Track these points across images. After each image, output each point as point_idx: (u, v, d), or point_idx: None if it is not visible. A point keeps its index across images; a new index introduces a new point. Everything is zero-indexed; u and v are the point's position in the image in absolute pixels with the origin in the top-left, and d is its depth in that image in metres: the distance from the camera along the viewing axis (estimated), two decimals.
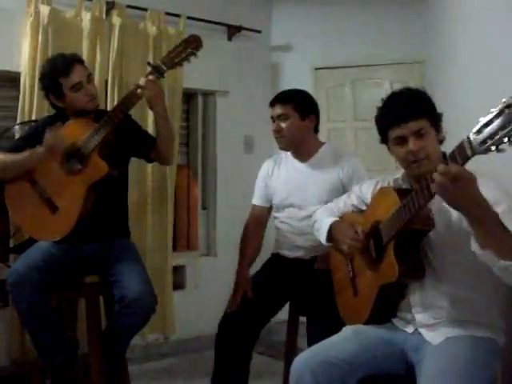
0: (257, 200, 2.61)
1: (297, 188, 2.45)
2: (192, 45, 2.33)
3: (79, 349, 2.51)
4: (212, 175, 3.89)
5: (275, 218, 2.56)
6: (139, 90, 2.31)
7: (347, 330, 1.80)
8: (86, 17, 3.16)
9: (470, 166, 1.36)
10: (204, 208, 3.92)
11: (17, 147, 2.42)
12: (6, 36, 3.01)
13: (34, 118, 2.96)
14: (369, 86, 4.03)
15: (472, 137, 1.26)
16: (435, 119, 1.72)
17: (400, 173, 1.87)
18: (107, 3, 3.25)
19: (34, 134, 2.46)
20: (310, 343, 2.06)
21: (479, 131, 1.24)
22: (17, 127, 2.97)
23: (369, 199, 1.95)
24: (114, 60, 3.24)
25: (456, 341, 1.62)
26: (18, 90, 3.02)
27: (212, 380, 2.33)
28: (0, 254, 2.85)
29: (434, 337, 1.66)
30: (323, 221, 2.05)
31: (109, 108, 3.09)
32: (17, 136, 2.88)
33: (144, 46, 3.35)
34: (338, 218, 2.01)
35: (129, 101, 2.36)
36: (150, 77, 2.32)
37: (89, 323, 2.40)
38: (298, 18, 4.10)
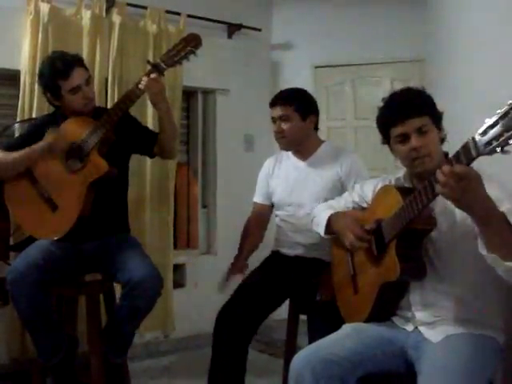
0: (258, 198, 2.63)
1: (297, 186, 2.46)
2: (191, 43, 2.32)
3: (79, 347, 2.52)
4: (212, 173, 3.89)
5: (276, 216, 2.58)
6: (142, 88, 2.31)
7: (347, 328, 1.80)
8: (86, 15, 3.15)
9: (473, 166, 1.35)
10: (204, 206, 3.92)
11: (16, 145, 2.42)
12: (6, 34, 3.00)
13: (33, 116, 2.95)
14: (369, 85, 4.03)
15: (477, 137, 1.26)
16: (436, 117, 1.73)
17: (401, 172, 1.87)
18: (107, 1, 3.25)
19: (34, 132, 2.46)
20: (312, 342, 2.06)
21: (484, 132, 1.24)
22: (16, 125, 2.97)
23: (369, 198, 1.96)
24: (114, 58, 3.23)
25: (456, 338, 1.62)
26: (18, 88, 3.01)
27: (209, 373, 2.33)
28: (0, 252, 2.85)
29: (434, 335, 1.66)
30: (321, 214, 2.06)
31: (109, 106, 3.08)
32: (16, 134, 2.88)
33: (144, 44, 3.35)
34: (337, 211, 2.01)
35: (128, 99, 2.36)
36: (153, 75, 2.31)
37: (89, 321, 2.40)
38: (298, 16, 4.09)
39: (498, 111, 1.22)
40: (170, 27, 3.44)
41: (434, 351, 1.60)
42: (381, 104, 1.79)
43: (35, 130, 2.49)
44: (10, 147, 2.41)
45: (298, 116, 2.41)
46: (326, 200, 2.26)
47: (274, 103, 2.45)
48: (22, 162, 2.36)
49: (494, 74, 2.42)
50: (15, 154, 2.36)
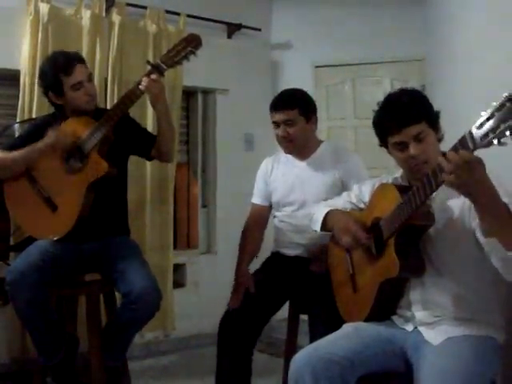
0: (256, 199, 2.61)
1: (296, 186, 2.45)
2: (191, 43, 2.32)
3: (79, 347, 2.52)
4: (212, 173, 3.89)
5: (275, 216, 2.57)
6: (142, 88, 2.31)
7: (347, 328, 1.80)
8: (86, 15, 3.15)
9: None
10: (204, 206, 3.92)
11: (16, 145, 2.42)
12: (6, 34, 3.00)
13: (33, 116, 2.96)
14: (369, 84, 4.03)
15: (474, 130, 1.27)
16: (433, 120, 1.72)
17: (399, 172, 1.87)
18: (107, 1, 3.26)
19: (34, 133, 2.46)
20: (312, 341, 2.05)
21: (481, 125, 1.25)
22: (16, 125, 2.97)
23: (367, 199, 1.96)
24: (114, 58, 3.24)
25: (456, 341, 1.61)
26: (18, 88, 3.02)
27: (216, 378, 2.34)
28: (0, 252, 2.85)
29: (434, 336, 1.66)
30: (319, 211, 2.06)
31: (108, 106, 3.09)
32: (16, 134, 2.88)
33: (144, 44, 3.35)
34: (335, 209, 2.01)
35: (128, 99, 2.36)
36: (153, 76, 2.31)
37: (89, 321, 2.40)
38: (297, 15, 4.09)
39: (494, 104, 1.23)
40: (170, 27, 3.45)
41: (434, 354, 1.60)
42: (376, 108, 1.77)
43: (35, 130, 2.49)
44: (10, 148, 2.41)
45: (302, 119, 2.39)
46: (325, 200, 2.26)
47: (276, 107, 2.39)
48: (22, 161, 2.36)
49: (494, 73, 2.42)
50: (15, 153, 2.36)
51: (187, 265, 3.69)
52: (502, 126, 1.20)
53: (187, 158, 3.90)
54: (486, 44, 2.57)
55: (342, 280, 1.98)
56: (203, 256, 3.83)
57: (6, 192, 2.44)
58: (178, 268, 3.63)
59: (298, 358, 1.68)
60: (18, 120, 2.99)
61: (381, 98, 1.80)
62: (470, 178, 1.34)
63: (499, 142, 1.22)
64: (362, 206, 2.00)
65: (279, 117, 2.38)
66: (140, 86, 2.32)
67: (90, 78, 2.43)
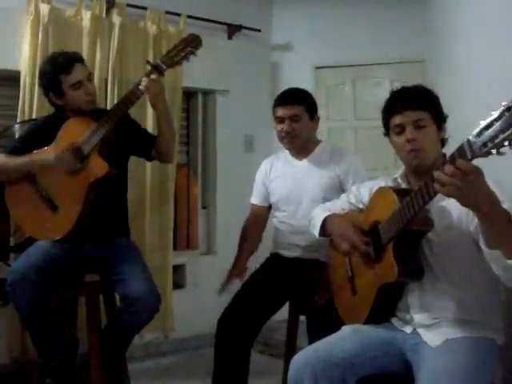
0: (255, 199, 2.63)
1: (294, 185, 2.46)
2: (191, 44, 2.32)
3: (79, 347, 2.52)
4: (212, 174, 3.89)
5: (274, 217, 2.57)
6: (142, 89, 2.31)
7: (346, 329, 1.80)
8: (86, 15, 3.15)
9: None
10: (204, 207, 3.92)
11: (16, 148, 2.42)
12: (6, 35, 3.01)
13: (34, 116, 2.96)
14: (369, 85, 4.04)
15: (472, 139, 1.25)
16: (438, 116, 1.73)
17: (399, 172, 1.87)
18: (107, 2, 3.25)
19: (34, 134, 2.47)
20: (311, 343, 2.05)
21: (480, 134, 1.23)
22: (17, 126, 2.97)
23: (366, 200, 1.96)
24: (114, 59, 3.24)
25: (455, 343, 1.61)
26: (18, 89, 3.02)
27: (213, 378, 2.34)
28: (0, 253, 2.85)
29: (433, 338, 1.65)
30: (317, 216, 2.06)
31: (108, 107, 3.09)
32: (17, 135, 2.88)
33: (144, 44, 3.35)
34: (333, 213, 2.02)
35: (128, 100, 2.36)
36: (153, 76, 2.31)
37: (89, 322, 2.40)
38: (298, 16, 4.10)
39: (493, 113, 1.21)
40: (170, 28, 3.45)
41: (432, 356, 1.59)
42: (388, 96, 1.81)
43: (36, 131, 2.50)
44: (13, 151, 2.41)
45: (307, 116, 2.41)
46: (324, 199, 2.27)
47: (283, 102, 2.41)
48: (24, 168, 2.37)
49: (494, 74, 2.42)
50: (18, 160, 2.36)
51: (187, 266, 3.69)
52: (501, 136, 1.19)
53: (187, 158, 3.90)
54: (486, 45, 2.57)
55: (341, 283, 1.98)
56: (203, 257, 3.83)
57: (6, 192, 2.44)
58: (178, 269, 3.63)
59: (298, 359, 1.68)
60: (18, 121, 2.99)
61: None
62: (470, 188, 1.32)
63: (498, 151, 1.20)
64: (361, 206, 2.00)
65: (285, 112, 2.39)
66: (140, 86, 2.32)
67: (90, 77, 2.43)
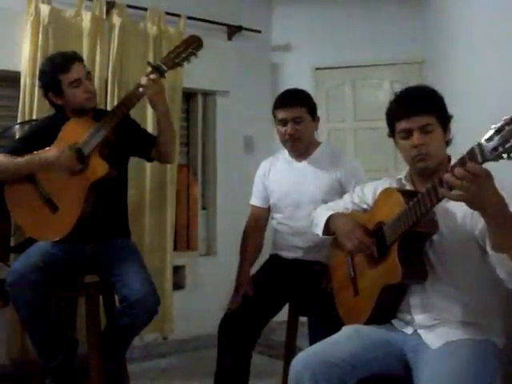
0: (255, 201, 2.62)
1: (293, 187, 2.46)
2: (192, 45, 2.32)
3: (79, 348, 2.52)
4: (212, 175, 3.89)
5: (273, 218, 2.57)
6: (141, 89, 2.31)
7: (347, 330, 1.80)
8: (87, 16, 3.16)
9: None
10: (204, 208, 3.92)
11: (17, 149, 2.42)
12: (6, 35, 3.01)
13: (34, 117, 2.96)
14: (369, 87, 4.03)
15: (483, 143, 1.25)
16: (443, 119, 1.73)
17: (403, 173, 1.87)
18: (107, 3, 3.26)
19: (34, 136, 2.47)
20: (312, 344, 2.05)
21: (490, 138, 1.23)
22: (17, 127, 2.97)
23: (370, 200, 1.96)
24: (114, 60, 3.24)
25: (455, 345, 1.61)
26: (19, 90, 3.02)
27: (215, 379, 2.34)
28: (0, 253, 2.85)
29: (433, 339, 1.65)
30: (321, 215, 2.06)
31: (109, 108, 3.09)
32: (17, 135, 2.88)
33: (144, 45, 3.36)
34: (337, 212, 2.01)
35: (129, 101, 2.36)
36: (153, 76, 2.31)
37: (88, 323, 2.39)
38: (297, 17, 4.10)
39: (505, 117, 1.21)
40: (170, 29, 3.45)
41: (433, 358, 1.59)
42: (391, 98, 1.79)
43: (36, 132, 2.50)
44: (13, 151, 2.41)
45: (309, 117, 2.41)
46: (323, 201, 2.26)
47: (285, 104, 2.39)
48: (25, 168, 2.37)
49: (494, 74, 2.43)
50: (19, 161, 2.36)
51: (187, 267, 3.69)
52: None
53: (187, 159, 3.90)
54: (486, 46, 2.57)
55: (342, 283, 1.98)
56: (203, 258, 3.83)
57: (6, 192, 2.44)
58: (178, 270, 3.62)
59: (298, 360, 1.68)
60: (18, 121, 2.99)
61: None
62: (480, 192, 1.32)
63: (509, 156, 1.20)
64: (364, 206, 2.00)
65: (288, 114, 2.38)
66: (140, 87, 2.32)
67: (89, 76, 2.43)
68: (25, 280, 2.21)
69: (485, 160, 1.26)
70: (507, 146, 1.19)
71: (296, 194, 2.44)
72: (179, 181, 3.67)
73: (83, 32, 3.15)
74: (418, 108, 1.68)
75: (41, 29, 3.02)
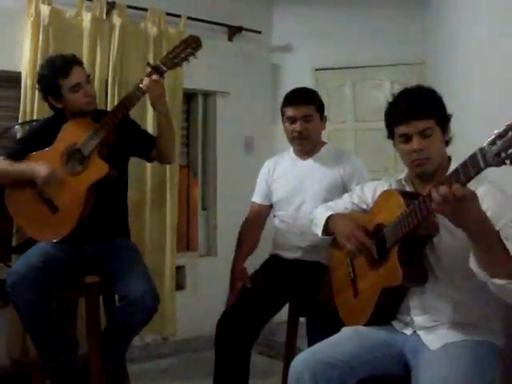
0: (256, 198, 2.63)
1: (297, 184, 2.46)
2: (191, 45, 2.32)
3: (79, 349, 2.52)
4: (212, 176, 3.89)
5: (275, 216, 2.57)
6: (143, 88, 2.31)
7: (347, 331, 1.80)
8: (87, 17, 3.16)
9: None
10: (204, 208, 3.92)
11: (17, 152, 2.42)
12: (7, 36, 3.01)
13: (35, 117, 2.96)
14: (369, 87, 4.03)
15: (486, 148, 1.23)
16: (443, 120, 1.72)
17: (403, 174, 1.87)
18: (108, 3, 3.26)
19: (34, 136, 2.48)
20: (311, 344, 2.05)
21: (493, 143, 1.21)
22: (17, 127, 2.98)
23: (369, 200, 1.96)
24: (115, 60, 3.24)
25: (455, 346, 1.61)
26: (19, 90, 3.02)
27: (214, 379, 2.34)
28: (1, 254, 2.86)
29: (433, 341, 1.65)
30: (320, 215, 2.06)
31: (109, 108, 3.09)
32: (18, 136, 2.89)
33: (144, 46, 3.36)
34: (336, 213, 2.01)
35: (129, 101, 2.36)
36: (154, 76, 2.31)
37: (88, 323, 2.40)
38: (298, 18, 4.10)
39: (508, 122, 1.19)
40: (171, 29, 3.45)
41: (432, 360, 1.59)
42: (390, 100, 1.78)
43: (36, 133, 2.50)
44: (13, 153, 2.42)
45: (318, 116, 2.43)
46: (325, 200, 2.26)
47: (296, 102, 2.40)
48: (22, 177, 2.37)
49: (494, 75, 2.42)
50: (17, 167, 2.37)
51: (187, 267, 3.68)
52: None
53: (187, 160, 3.90)
54: (486, 46, 2.57)
55: (342, 284, 1.98)
56: (203, 258, 3.83)
57: (6, 193, 2.44)
58: (178, 270, 3.61)
59: (298, 361, 1.68)
60: (19, 122, 2.99)
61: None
62: (460, 212, 1.34)
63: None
64: (364, 206, 1.99)
65: (297, 112, 2.39)
66: (141, 85, 2.32)
67: (89, 79, 2.43)
68: (25, 280, 2.21)
69: (487, 165, 1.24)
70: (510, 151, 1.18)
71: (299, 191, 2.45)
72: (179, 181, 3.68)
73: (83, 32, 3.15)
74: (417, 112, 1.66)
75: (41, 29, 3.02)
